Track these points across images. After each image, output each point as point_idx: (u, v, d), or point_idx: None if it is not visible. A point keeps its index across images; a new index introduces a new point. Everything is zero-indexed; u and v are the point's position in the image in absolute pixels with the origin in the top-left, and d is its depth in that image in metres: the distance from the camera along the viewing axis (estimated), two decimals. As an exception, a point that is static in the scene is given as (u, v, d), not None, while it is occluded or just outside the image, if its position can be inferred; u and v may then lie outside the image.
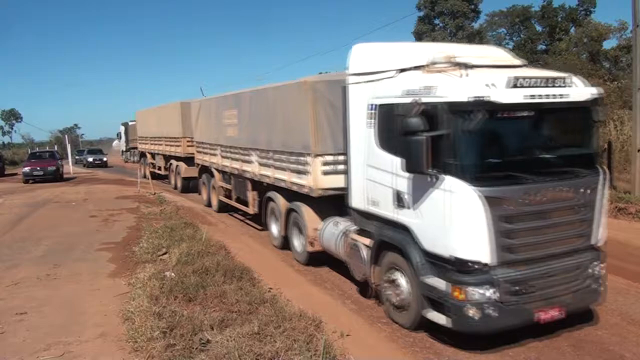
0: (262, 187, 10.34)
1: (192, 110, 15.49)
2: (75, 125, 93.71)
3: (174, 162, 19.48)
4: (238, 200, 12.15)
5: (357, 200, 6.68)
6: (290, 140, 8.56)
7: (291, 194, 8.79)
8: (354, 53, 6.65)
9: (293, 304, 6.45)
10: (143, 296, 6.79)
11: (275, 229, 9.94)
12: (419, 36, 43.52)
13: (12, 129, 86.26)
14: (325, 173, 7.69)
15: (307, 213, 8.31)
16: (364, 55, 6.58)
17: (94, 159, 40.67)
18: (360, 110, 6.37)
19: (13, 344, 5.80)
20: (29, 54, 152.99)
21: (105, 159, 40.81)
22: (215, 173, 13.51)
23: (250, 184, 10.90)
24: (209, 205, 14.73)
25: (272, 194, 9.73)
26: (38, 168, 26.70)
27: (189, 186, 18.12)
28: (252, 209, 11.09)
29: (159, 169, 22.18)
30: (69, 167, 32.61)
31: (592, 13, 42.92)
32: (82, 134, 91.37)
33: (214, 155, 13.19)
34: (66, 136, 47.91)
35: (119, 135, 48.49)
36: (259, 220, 11.13)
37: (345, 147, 6.92)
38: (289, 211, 9.00)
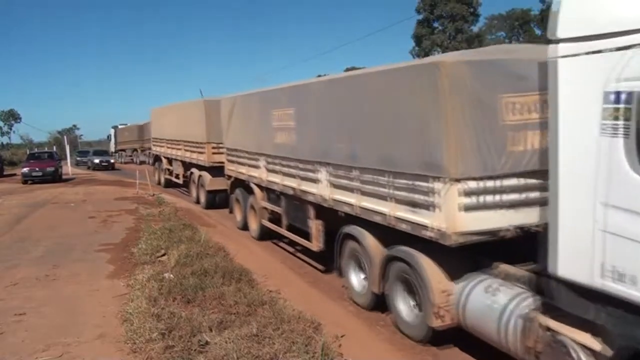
0: (333, 216, 7.43)
1: (221, 109, 12.49)
2: (74, 126, 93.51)
3: (195, 171, 16.37)
4: (291, 228, 9.22)
5: (572, 266, 3.85)
6: (398, 155, 5.71)
7: (391, 233, 6.01)
8: (569, 2, 3.80)
9: (292, 306, 6.45)
10: (142, 297, 6.81)
11: (356, 279, 7.02)
12: (419, 39, 43.73)
13: (11, 129, 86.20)
14: (468, 208, 4.93)
15: (430, 268, 5.42)
16: (591, 5, 3.74)
17: (100, 161, 37.79)
18: (583, 104, 3.71)
19: (12, 344, 5.80)
20: (28, 55, 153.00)
21: (112, 161, 38.63)
22: (256, 190, 10.50)
23: (313, 210, 8.04)
24: (245, 228, 11.64)
25: (354, 230, 6.82)
26: (37, 169, 26.69)
27: (215, 201, 15.10)
28: (315, 245, 8.16)
29: (177, 176, 18.98)
30: (68, 168, 32.61)
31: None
32: (81, 135, 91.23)
33: (255, 167, 10.35)
34: (65, 137, 47.99)
35: (109, 138, 50.60)
36: (323, 257, 8.35)
37: (550, 166, 3.99)
38: (390, 260, 6.11)
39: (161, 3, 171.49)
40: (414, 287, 5.71)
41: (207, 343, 5.34)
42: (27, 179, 26.28)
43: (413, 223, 5.51)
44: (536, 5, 46.08)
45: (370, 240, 6.51)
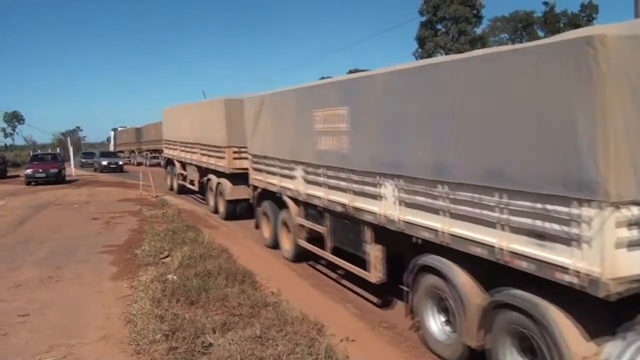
0: (399, 241, 5.95)
1: (245, 110, 10.97)
2: (78, 127, 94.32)
3: (213, 178, 14.66)
4: (336, 252, 7.68)
5: None
6: (518, 167, 4.18)
7: (492, 270, 4.61)
8: None
9: (295, 308, 6.45)
10: (145, 299, 6.83)
11: (436, 324, 5.50)
12: (422, 41, 43.77)
13: (14, 131, 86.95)
14: (631, 245, 3.58)
15: (564, 324, 3.92)
16: None
17: (108, 163, 36.60)
18: None
19: (15, 345, 5.81)
20: (31, 56, 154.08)
21: (120, 163, 37.20)
22: (290, 204, 8.94)
23: (371, 232, 6.53)
24: (275, 247, 10.05)
25: (438, 262, 5.25)
26: (40, 170, 26.81)
27: (236, 211, 13.60)
28: (374, 275, 6.56)
29: (191, 182, 17.38)
30: (71, 170, 32.72)
31: (595, 19, 43.22)
32: (84, 136, 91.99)
33: (289, 177, 8.87)
34: (68, 138, 48.27)
35: (108, 140, 51.91)
36: (379, 287, 6.78)
37: None
38: (496, 307, 4.53)
39: (162, 4, 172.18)
40: (535, 347, 4.14)
41: (210, 344, 5.34)
42: (31, 180, 26.43)
43: (541, 262, 4.02)
44: (539, 7, 46.23)
45: (463, 279, 4.95)
